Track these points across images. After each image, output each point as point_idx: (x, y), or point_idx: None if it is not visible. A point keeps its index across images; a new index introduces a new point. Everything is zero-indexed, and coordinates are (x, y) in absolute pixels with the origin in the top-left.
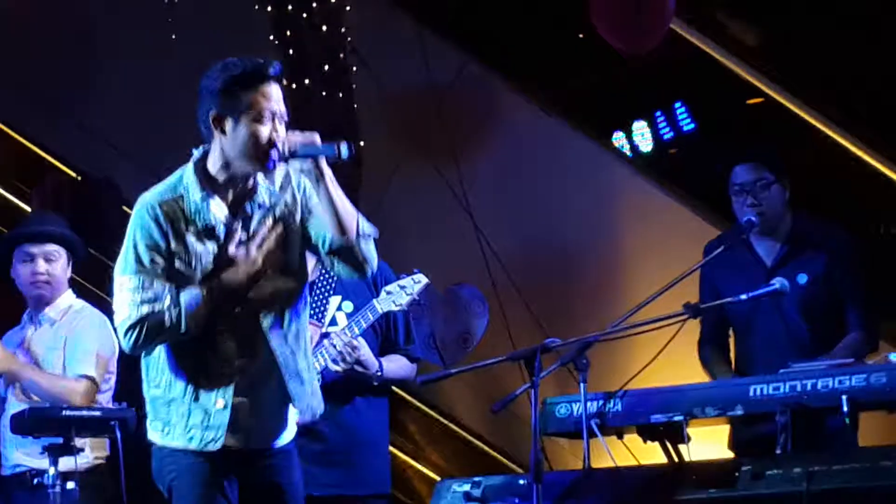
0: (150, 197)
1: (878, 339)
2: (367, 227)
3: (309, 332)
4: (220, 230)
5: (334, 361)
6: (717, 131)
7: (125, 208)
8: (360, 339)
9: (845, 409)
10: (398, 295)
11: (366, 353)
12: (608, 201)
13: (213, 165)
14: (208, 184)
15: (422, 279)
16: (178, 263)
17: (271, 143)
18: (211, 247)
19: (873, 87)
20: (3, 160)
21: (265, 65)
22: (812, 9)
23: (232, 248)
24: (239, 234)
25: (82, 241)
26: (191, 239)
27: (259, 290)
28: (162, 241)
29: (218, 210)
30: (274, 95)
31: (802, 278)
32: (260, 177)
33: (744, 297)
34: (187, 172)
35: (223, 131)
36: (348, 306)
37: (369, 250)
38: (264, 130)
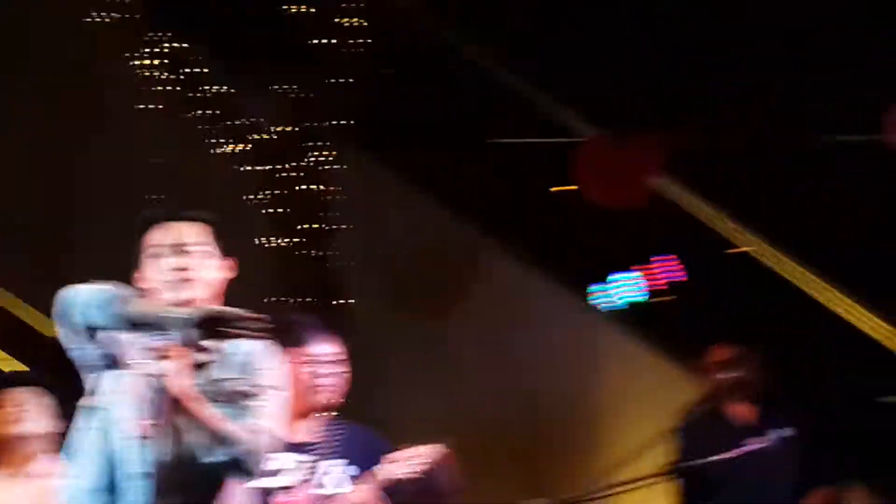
0: None
1: None
2: None
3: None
4: None
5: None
6: (700, 281)
7: None
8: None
9: None
10: (410, 462)
11: None
12: (591, 356)
13: None
14: None
15: (437, 449)
16: None
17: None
18: None
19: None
20: None
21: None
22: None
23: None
24: None
25: None
26: None
27: None
28: None
29: None
30: (175, 230)
31: (780, 434)
32: None
33: (716, 458)
34: None
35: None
36: (352, 471)
37: None
38: (159, 264)
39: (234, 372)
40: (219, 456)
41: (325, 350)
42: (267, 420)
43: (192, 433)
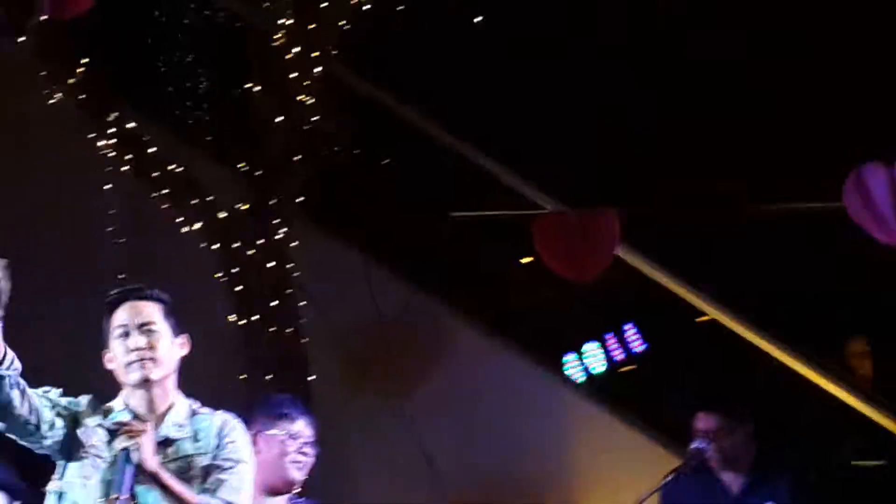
0: None
1: None
2: None
3: None
4: None
5: None
6: (669, 350)
7: None
8: None
9: None
10: None
11: None
12: (559, 427)
13: None
14: None
15: None
16: None
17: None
18: None
19: (816, 308)
20: None
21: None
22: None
23: None
24: None
25: None
26: None
27: None
28: None
29: None
30: (139, 310)
31: None
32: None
33: None
34: None
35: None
36: None
37: None
38: (126, 344)
39: (203, 447)
40: None
41: (301, 428)
42: (236, 495)
43: None
